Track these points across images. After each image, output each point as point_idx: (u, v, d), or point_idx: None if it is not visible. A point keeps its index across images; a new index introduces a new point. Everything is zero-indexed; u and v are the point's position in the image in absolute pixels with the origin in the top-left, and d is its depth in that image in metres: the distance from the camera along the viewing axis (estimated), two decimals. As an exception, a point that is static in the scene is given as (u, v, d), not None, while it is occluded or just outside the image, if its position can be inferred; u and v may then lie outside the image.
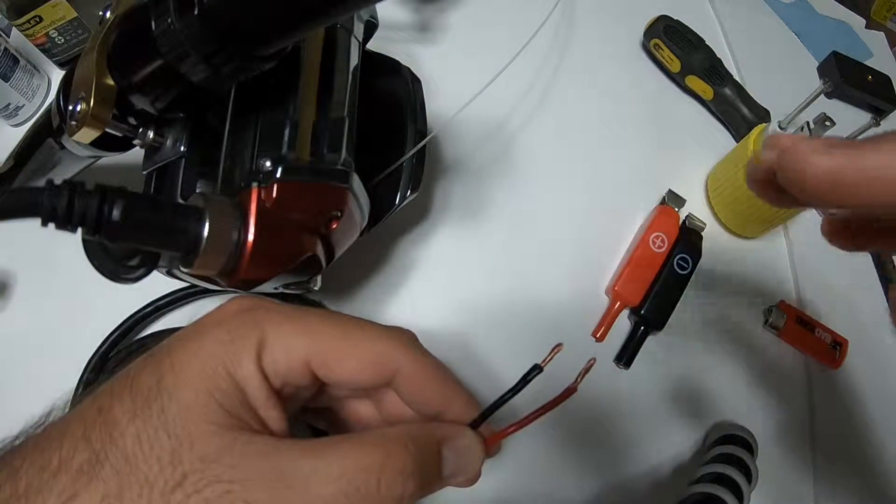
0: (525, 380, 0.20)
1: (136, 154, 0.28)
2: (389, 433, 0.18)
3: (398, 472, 0.16)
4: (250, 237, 0.23)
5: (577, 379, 0.20)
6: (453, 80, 0.39)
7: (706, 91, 0.50)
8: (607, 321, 0.41)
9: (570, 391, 0.20)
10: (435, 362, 0.20)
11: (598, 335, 0.41)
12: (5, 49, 0.39)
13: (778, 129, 0.42)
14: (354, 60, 0.29)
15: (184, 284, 0.34)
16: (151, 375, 0.17)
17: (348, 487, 0.15)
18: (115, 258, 0.23)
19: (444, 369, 0.21)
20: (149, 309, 0.35)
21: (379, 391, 0.21)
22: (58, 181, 0.18)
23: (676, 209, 0.44)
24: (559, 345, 0.21)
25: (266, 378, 0.17)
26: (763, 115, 0.49)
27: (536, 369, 0.20)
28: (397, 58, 0.34)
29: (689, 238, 0.43)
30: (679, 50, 0.50)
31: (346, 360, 0.18)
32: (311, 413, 0.23)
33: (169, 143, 0.27)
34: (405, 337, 0.20)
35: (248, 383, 0.17)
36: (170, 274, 0.26)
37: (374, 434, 0.17)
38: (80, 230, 0.19)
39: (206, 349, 0.17)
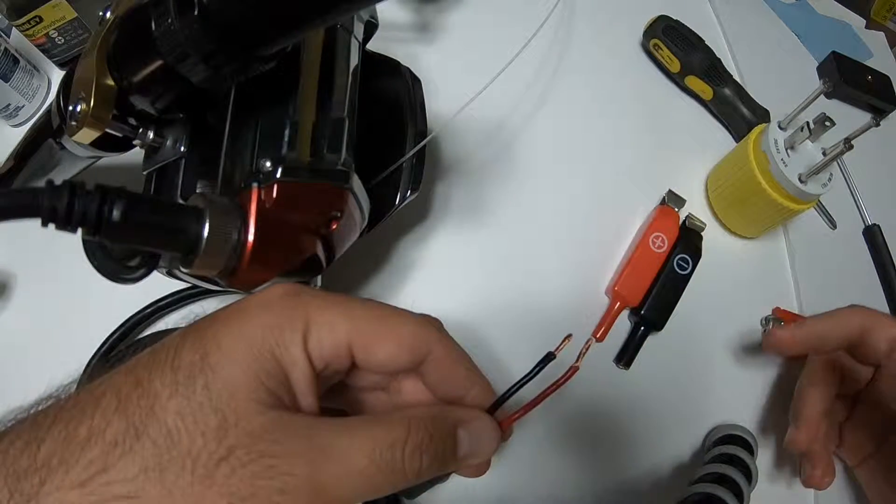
0: (539, 367, 0.21)
1: (136, 154, 0.28)
2: (411, 413, 0.19)
3: (416, 446, 0.18)
4: (250, 237, 0.23)
5: (577, 358, 0.21)
6: (453, 80, 0.39)
7: (706, 91, 0.50)
8: (607, 321, 0.41)
9: (572, 370, 0.21)
10: (460, 347, 0.21)
11: (598, 335, 0.41)
12: (5, 49, 0.39)
13: (778, 129, 0.42)
14: (354, 61, 0.29)
15: (184, 285, 0.34)
16: (194, 352, 0.17)
17: (380, 460, 0.17)
18: (115, 258, 0.23)
19: (468, 355, 0.22)
20: (149, 309, 0.35)
21: (394, 382, 0.22)
22: (58, 181, 0.18)
23: (676, 209, 0.44)
24: (569, 335, 0.22)
25: (311, 362, 0.18)
26: (763, 115, 0.49)
27: (550, 357, 0.21)
28: (397, 58, 0.34)
29: (689, 238, 0.43)
30: (678, 50, 0.50)
31: (385, 343, 0.19)
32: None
33: (169, 143, 0.27)
34: (436, 323, 0.21)
35: (293, 368, 0.17)
36: (170, 274, 0.26)
37: (398, 414, 0.19)
38: (80, 230, 0.19)
39: (253, 332, 0.17)
